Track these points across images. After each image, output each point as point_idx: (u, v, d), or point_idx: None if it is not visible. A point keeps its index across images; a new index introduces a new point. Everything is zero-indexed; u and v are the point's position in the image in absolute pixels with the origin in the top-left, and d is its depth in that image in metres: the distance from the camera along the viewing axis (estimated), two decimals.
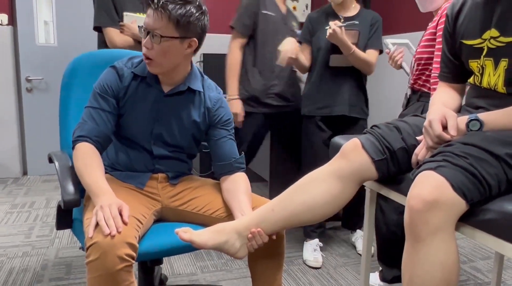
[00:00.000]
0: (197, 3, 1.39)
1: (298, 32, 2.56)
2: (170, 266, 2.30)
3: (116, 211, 1.22)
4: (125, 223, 1.21)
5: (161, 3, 1.32)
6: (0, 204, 3.28)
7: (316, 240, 2.47)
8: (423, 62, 1.88)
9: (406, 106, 2.03)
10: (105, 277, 1.15)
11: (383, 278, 2.09)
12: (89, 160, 1.38)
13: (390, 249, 2.04)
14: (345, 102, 2.35)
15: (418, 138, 1.24)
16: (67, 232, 2.75)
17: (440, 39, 1.73)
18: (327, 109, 2.38)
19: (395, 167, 1.26)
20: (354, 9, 2.38)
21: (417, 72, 1.93)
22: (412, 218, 1.00)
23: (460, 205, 0.98)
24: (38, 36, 4.04)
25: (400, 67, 2.17)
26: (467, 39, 1.28)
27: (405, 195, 1.23)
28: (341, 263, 2.39)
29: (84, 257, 1.19)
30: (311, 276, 2.23)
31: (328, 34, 2.19)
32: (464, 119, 1.15)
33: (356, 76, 2.39)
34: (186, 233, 1.26)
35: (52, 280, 2.13)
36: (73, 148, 1.43)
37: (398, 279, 2.04)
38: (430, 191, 0.98)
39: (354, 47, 2.24)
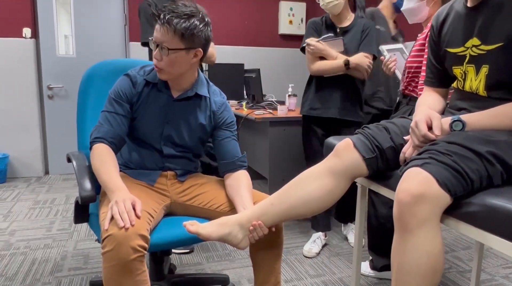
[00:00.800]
0: (200, 15, 1.38)
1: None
2: (179, 256, 2.28)
3: (130, 206, 1.21)
4: (138, 217, 1.21)
5: (166, 18, 1.33)
6: (24, 201, 3.27)
7: (319, 234, 2.44)
8: (412, 70, 1.87)
9: (396, 109, 2.02)
10: (120, 266, 1.13)
11: (373, 267, 2.07)
12: (105, 159, 1.37)
13: (380, 240, 2.02)
14: (336, 106, 2.29)
15: (405, 137, 1.23)
16: (85, 226, 2.74)
17: None
18: (319, 110, 2.33)
19: (384, 165, 1.24)
20: (349, 19, 2.29)
21: (407, 79, 1.92)
22: (401, 210, 0.99)
23: (444, 198, 0.97)
24: (58, 48, 4.03)
25: (393, 73, 2.15)
26: (451, 47, 1.26)
27: (394, 190, 1.21)
28: (334, 253, 2.37)
29: (100, 248, 1.18)
30: (307, 265, 2.21)
31: (310, 50, 2.22)
32: (447, 120, 1.14)
33: (349, 82, 2.29)
34: (193, 226, 1.25)
35: (71, 270, 2.12)
36: (90, 148, 1.42)
37: (387, 267, 2.03)
38: (417, 186, 0.97)
39: (338, 54, 2.20)
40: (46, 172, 4.17)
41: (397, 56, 2.20)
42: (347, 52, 2.23)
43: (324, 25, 2.33)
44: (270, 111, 2.97)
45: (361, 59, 2.20)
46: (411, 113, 1.88)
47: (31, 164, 4.02)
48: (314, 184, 1.26)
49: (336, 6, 2.19)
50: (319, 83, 2.33)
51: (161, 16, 1.33)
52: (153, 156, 1.52)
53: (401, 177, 1.04)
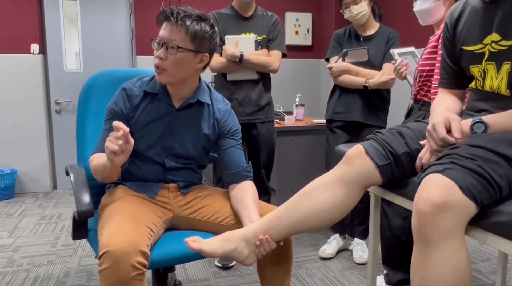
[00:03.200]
0: (210, 22, 1.34)
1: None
2: (184, 272, 2.17)
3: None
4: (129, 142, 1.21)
5: (180, 16, 1.28)
6: (31, 216, 3.20)
7: (336, 235, 2.43)
8: (425, 74, 1.77)
9: (408, 115, 1.91)
10: (117, 285, 1.04)
11: (388, 281, 1.94)
12: (96, 160, 1.35)
13: (394, 253, 1.90)
14: (359, 110, 2.29)
15: (421, 142, 1.13)
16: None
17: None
18: (342, 114, 2.33)
19: (399, 172, 1.14)
20: (373, 28, 2.31)
21: (419, 83, 1.82)
22: (421, 221, 0.88)
23: (469, 207, 0.86)
24: (66, 63, 4.01)
25: (405, 78, 2.06)
26: (467, 45, 1.16)
27: (411, 199, 1.11)
28: (347, 267, 2.24)
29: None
30: (318, 280, 2.09)
31: (331, 73, 2.32)
32: (468, 122, 1.04)
33: (374, 90, 2.26)
34: (195, 242, 1.15)
35: None
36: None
37: (403, 282, 1.90)
38: (438, 194, 0.86)
39: (358, 69, 2.26)
40: (54, 187, 4.11)
41: (409, 60, 2.10)
42: (371, 61, 2.23)
43: (347, 35, 2.37)
44: (278, 121, 2.88)
45: (381, 79, 2.20)
46: (424, 118, 1.78)
47: (39, 179, 3.97)
48: (325, 194, 1.15)
49: (363, 17, 2.23)
50: (343, 89, 2.34)
51: (174, 15, 1.28)
52: (155, 169, 1.43)
53: (419, 184, 0.94)
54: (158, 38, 1.32)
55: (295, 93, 4.67)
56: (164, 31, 1.31)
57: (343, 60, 2.30)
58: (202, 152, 1.48)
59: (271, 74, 2.35)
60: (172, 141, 1.42)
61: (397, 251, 1.88)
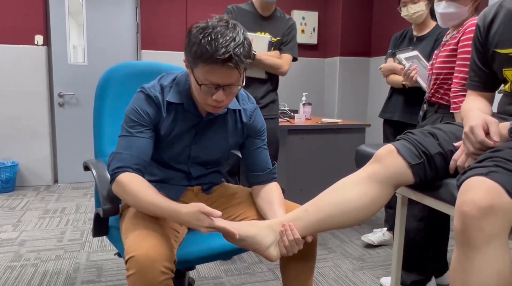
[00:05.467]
0: (248, 39, 1.16)
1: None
2: (196, 270, 2.16)
3: (207, 219, 1.06)
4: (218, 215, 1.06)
5: (240, 59, 1.10)
6: (34, 210, 3.16)
7: (384, 228, 2.57)
8: (441, 76, 1.76)
9: (424, 118, 1.91)
10: None
11: (402, 282, 1.94)
12: (138, 185, 1.16)
13: (409, 255, 1.89)
14: (401, 110, 2.37)
15: (455, 144, 1.12)
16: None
17: (462, 55, 1.62)
18: (389, 114, 2.45)
19: (432, 172, 1.13)
20: (428, 28, 2.30)
21: (435, 86, 1.81)
22: (466, 224, 0.87)
23: None
24: (70, 55, 3.97)
25: (415, 82, 2.05)
26: (501, 48, 1.16)
27: (443, 201, 1.11)
28: (358, 266, 2.24)
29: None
30: (331, 279, 2.08)
31: (382, 74, 2.46)
32: (505, 125, 1.03)
33: (415, 88, 2.23)
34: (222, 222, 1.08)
35: (84, 283, 2.00)
36: (111, 181, 1.20)
37: (416, 283, 1.90)
38: (484, 197, 0.86)
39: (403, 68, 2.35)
40: (55, 181, 4.07)
41: (416, 64, 2.11)
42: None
43: (403, 36, 2.43)
44: (287, 119, 2.87)
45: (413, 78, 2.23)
46: (441, 121, 1.78)
47: (40, 172, 3.92)
48: (355, 191, 1.13)
49: (419, 16, 2.24)
50: (392, 89, 2.48)
51: (233, 60, 1.08)
52: (179, 176, 1.38)
53: (459, 187, 0.93)
54: (208, 81, 1.13)
55: (300, 91, 4.66)
56: (223, 77, 1.12)
57: (394, 61, 2.38)
58: (227, 154, 1.45)
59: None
60: (198, 150, 1.35)
61: (411, 252, 1.88)
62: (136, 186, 1.15)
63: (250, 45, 1.15)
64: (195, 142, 1.33)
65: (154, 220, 1.17)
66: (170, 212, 1.09)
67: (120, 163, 1.19)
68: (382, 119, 2.54)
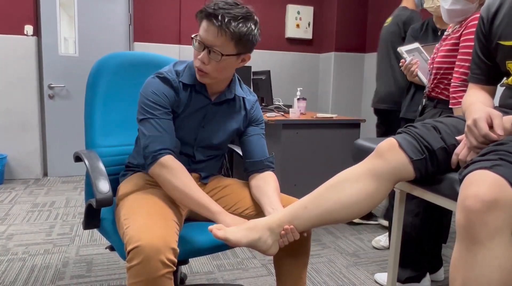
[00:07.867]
0: (254, 16, 1.23)
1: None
2: (189, 265, 2.12)
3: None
4: None
5: (225, 21, 1.15)
6: (22, 203, 3.09)
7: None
8: (442, 71, 1.74)
9: (422, 113, 1.89)
10: (147, 282, 0.98)
11: (397, 279, 1.93)
12: (183, 176, 1.22)
13: (404, 250, 1.88)
14: (416, 108, 2.30)
15: (457, 138, 1.10)
16: (87, 230, 2.57)
17: (464, 50, 1.59)
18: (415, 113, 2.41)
19: (434, 167, 1.11)
20: None
21: (435, 81, 1.79)
22: (469, 219, 0.85)
23: None
24: (61, 46, 3.89)
25: (416, 77, 2.03)
26: (505, 39, 1.14)
27: (446, 195, 1.09)
28: (352, 262, 2.23)
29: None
30: (325, 275, 2.07)
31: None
32: (509, 118, 1.01)
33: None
34: (220, 230, 1.10)
35: (74, 278, 1.95)
36: (152, 162, 1.22)
37: (411, 279, 1.89)
38: (488, 190, 0.83)
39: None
40: (45, 174, 4.00)
41: (417, 57, 2.08)
42: None
43: (424, 29, 2.29)
44: (282, 113, 2.84)
45: None
46: (440, 116, 1.76)
47: (29, 165, 3.85)
48: (354, 186, 1.11)
49: None
50: (414, 87, 2.32)
51: (219, 18, 1.15)
52: (182, 160, 1.35)
53: (461, 181, 0.90)
54: (199, 37, 1.21)
55: (294, 86, 4.64)
56: (206, 33, 1.19)
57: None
58: (228, 142, 1.45)
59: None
60: (203, 134, 1.37)
61: (406, 248, 1.86)
62: (180, 176, 1.21)
63: (249, 23, 1.20)
64: (203, 125, 1.36)
65: (158, 212, 1.15)
66: (205, 211, 1.20)
67: (162, 144, 1.23)
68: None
